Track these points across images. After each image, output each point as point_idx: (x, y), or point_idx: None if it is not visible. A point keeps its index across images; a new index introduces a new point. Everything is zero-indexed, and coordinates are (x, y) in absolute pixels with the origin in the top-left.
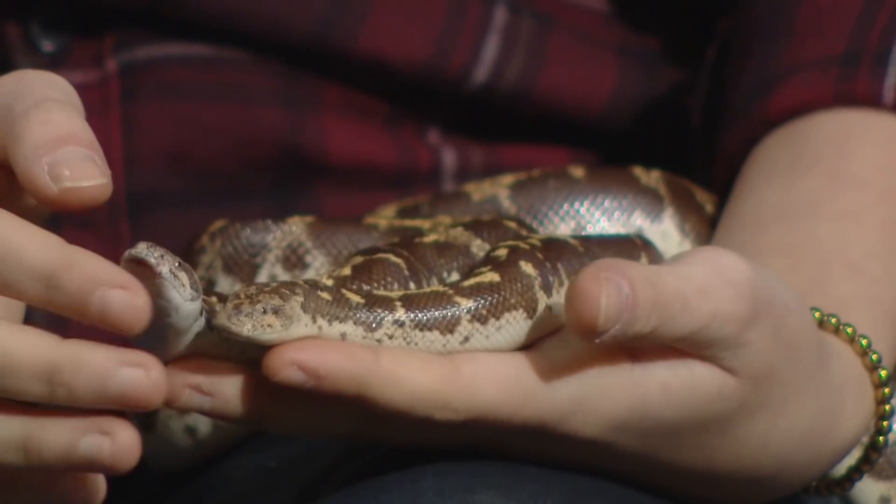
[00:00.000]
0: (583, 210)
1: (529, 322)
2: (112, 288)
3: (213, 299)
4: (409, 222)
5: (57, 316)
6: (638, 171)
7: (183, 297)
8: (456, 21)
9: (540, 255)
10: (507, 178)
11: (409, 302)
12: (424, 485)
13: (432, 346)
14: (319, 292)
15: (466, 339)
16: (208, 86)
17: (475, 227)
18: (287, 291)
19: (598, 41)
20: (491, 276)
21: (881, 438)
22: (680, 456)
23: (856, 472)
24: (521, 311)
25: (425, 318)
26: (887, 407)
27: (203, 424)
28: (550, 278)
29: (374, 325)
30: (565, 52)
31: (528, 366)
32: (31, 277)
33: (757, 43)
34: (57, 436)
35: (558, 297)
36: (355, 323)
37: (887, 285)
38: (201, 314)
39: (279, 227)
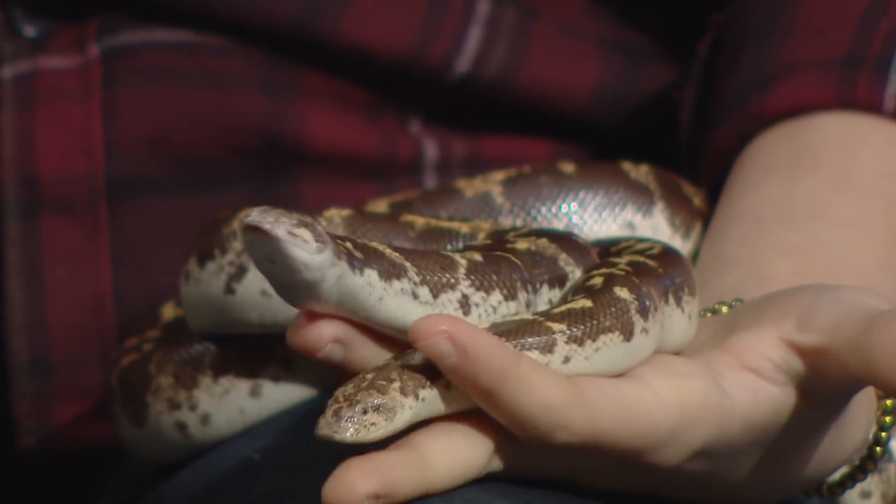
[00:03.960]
0: (575, 206)
1: (627, 345)
2: None
3: (348, 244)
4: (445, 223)
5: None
6: (627, 166)
7: (309, 251)
8: (439, 10)
9: (636, 280)
10: (499, 175)
11: (498, 332)
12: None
13: None
14: (411, 361)
15: (567, 359)
16: (190, 72)
17: (558, 238)
18: (383, 382)
19: (580, 33)
20: (583, 303)
21: (878, 449)
22: (733, 474)
23: (849, 480)
24: (617, 333)
25: (521, 343)
26: (888, 419)
27: (193, 421)
28: (647, 303)
29: None
30: (548, 44)
31: (638, 395)
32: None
33: (753, 40)
34: None
35: (654, 322)
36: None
37: (892, 296)
38: (339, 258)
39: (316, 219)
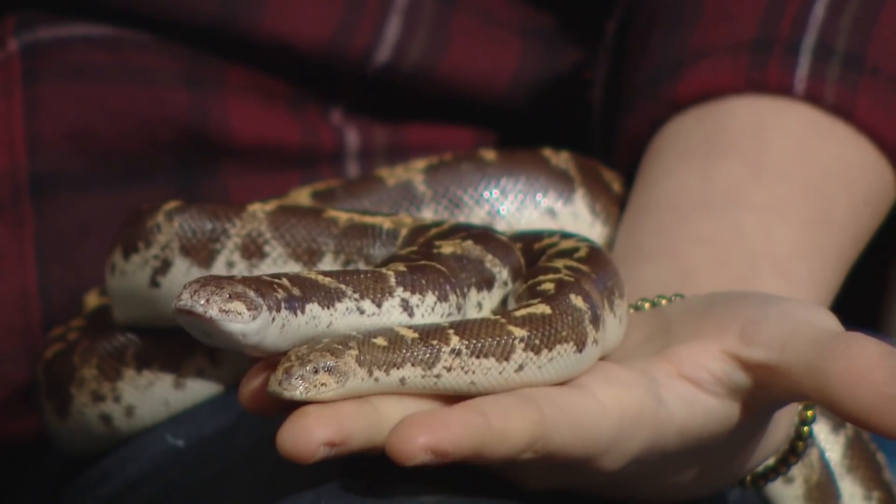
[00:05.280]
0: (496, 193)
1: (579, 356)
2: None
3: (285, 282)
4: (368, 219)
5: None
6: (548, 153)
7: (243, 322)
8: (358, 1)
9: (586, 288)
10: (420, 163)
11: (462, 329)
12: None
13: (489, 374)
14: (373, 339)
15: (521, 367)
16: (111, 67)
17: (482, 239)
18: (339, 346)
19: (500, 21)
20: (542, 309)
21: (800, 444)
22: (664, 477)
23: (772, 472)
24: (571, 343)
25: (481, 345)
26: (809, 413)
27: (118, 413)
28: (598, 312)
29: (431, 362)
30: (468, 32)
31: (586, 405)
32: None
33: (662, 23)
34: None
35: (602, 332)
36: (413, 364)
37: (811, 288)
38: (278, 310)
39: (239, 214)
